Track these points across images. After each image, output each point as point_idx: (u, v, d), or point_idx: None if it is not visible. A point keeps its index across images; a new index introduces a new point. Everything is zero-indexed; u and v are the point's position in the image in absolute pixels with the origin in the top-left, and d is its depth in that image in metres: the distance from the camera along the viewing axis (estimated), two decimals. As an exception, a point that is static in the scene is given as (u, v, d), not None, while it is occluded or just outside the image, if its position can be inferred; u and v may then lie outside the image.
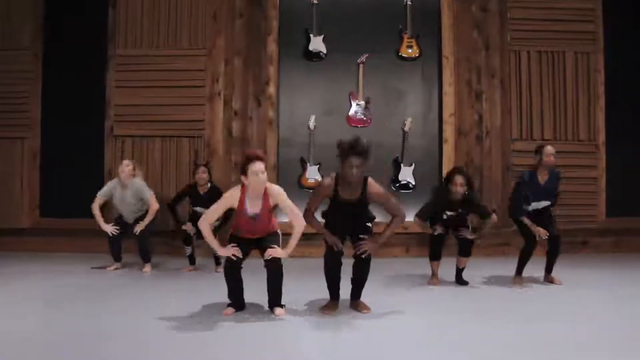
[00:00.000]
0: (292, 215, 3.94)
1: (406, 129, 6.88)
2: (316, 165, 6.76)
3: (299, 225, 3.92)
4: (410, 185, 6.81)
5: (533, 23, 7.05)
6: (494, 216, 5.03)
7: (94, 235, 6.12)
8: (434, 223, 5.04)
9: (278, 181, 6.30)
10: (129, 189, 5.76)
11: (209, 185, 5.81)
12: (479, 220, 5.11)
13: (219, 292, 4.16)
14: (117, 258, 5.85)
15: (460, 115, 6.98)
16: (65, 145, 6.90)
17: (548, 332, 3.46)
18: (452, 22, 6.96)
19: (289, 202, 3.98)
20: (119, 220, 5.86)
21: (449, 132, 6.89)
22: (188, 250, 5.78)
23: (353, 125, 6.85)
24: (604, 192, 7.12)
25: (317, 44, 6.86)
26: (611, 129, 7.11)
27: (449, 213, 4.96)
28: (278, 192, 3.97)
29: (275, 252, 3.86)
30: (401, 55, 6.94)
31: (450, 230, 5.07)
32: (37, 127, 6.94)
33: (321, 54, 6.87)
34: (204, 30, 6.90)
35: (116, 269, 5.81)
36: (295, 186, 6.62)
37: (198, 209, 5.66)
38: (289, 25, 6.94)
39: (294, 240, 3.91)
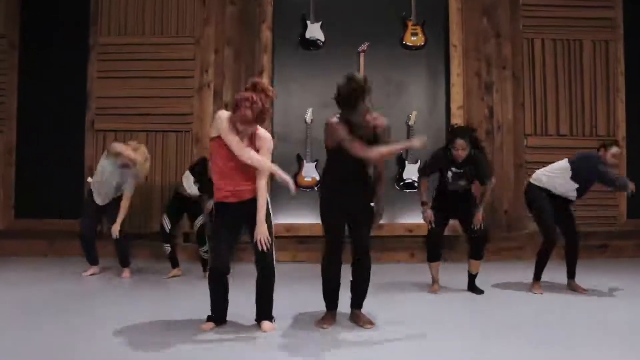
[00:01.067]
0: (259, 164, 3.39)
1: (411, 123, 6.39)
2: (313, 162, 6.26)
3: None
4: (416, 185, 6.28)
5: (547, 9, 6.57)
6: (493, 179, 4.59)
7: (73, 238, 5.59)
8: (438, 204, 4.56)
9: (272, 180, 5.79)
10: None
11: None
12: (479, 187, 4.60)
13: (202, 302, 3.65)
14: (93, 261, 5.33)
15: (469, 109, 6.48)
16: (42, 140, 6.42)
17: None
18: (460, 7, 6.47)
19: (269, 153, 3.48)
20: (90, 200, 5.34)
21: (457, 126, 6.38)
22: (167, 248, 5.23)
23: (353, 118, 6.36)
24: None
25: (314, 31, 6.38)
26: (632, 123, 6.62)
27: (454, 170, 4.48)
28: (265, 136, 3.49)
29: (260, 232, 3.34)
30: (405, 44, 6.46)
31: (451, 213, 4.56)
32: (13, 121, 6.45)
33: (319, 42, 6.39)
34: (193, 17, 6.45)
35: (92, 274, 5.30)
36: (291, 185, 6.12)
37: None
38: (284, 12, 6.47)
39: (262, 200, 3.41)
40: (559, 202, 4.64)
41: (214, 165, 3.47)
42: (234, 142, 3.32)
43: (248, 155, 3.34)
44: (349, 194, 3.54)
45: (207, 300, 3.51)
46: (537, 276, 4.63)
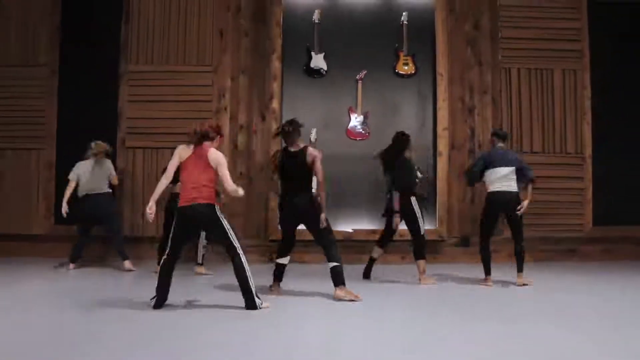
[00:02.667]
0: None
1: (402, 142, 7.23)
2: (317, 176, 7.10)
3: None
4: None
5: (523, 42, 7.45)
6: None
7: (104, 242, 6.61)
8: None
9: (281, 191, 6.65)
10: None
11: None
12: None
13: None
14: (77, 258, 6.36)
15: (453, 130, 7.35)
16: (79, 157, 7.20)
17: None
18: (447, 39, 7.34)
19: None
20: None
21: (442, 145, 7.26)
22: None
23: (352, 138, 7.24)
24: (591, 202, 7.48)
25: (318, 61, 7.24)
26: (597, 142, 7.48)
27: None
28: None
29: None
30: (398, 72, 7.33)
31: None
32: (53, 139, 7.31)
33: (322, 70, 7.25)
34: (211, 47, 7.31)
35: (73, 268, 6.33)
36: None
37: None
38: (292, 44, 7.34)
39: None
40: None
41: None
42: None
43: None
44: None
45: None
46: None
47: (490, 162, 5.50)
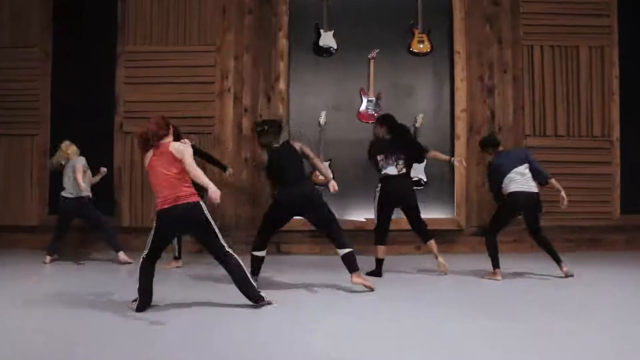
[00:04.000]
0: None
1: (417, 125, 6.81)
2: (327, 161, 6.69)
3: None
4: (422, 182, 6.74)
5: (545, 17, 6.98)
6: None
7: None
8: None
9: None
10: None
11: None
12: None
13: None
14: (55, 250, 6.03)
15: (472, 111, 6.91)
16: (74, 142, 6.84)
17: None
18: (464, 16, 6.88)
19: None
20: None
21: (460, 128, 6.82)
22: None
23: (364, 120, 6.80)
24: (619, 188, 7.02)
25: (327, 39, 6.81)
26: (626, 125, 7.02)
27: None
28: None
29: None
30: (412, 51, 6.88)
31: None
32: (47, 124, 6.92)
33: (331, 49, 6.82)
34: (213, 26, 6.89)
35: (52, 260, 5.98)
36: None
37: None
38: (299, 21, 6.90)
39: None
40: None
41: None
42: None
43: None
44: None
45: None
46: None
47: (500, 173, 5.14)
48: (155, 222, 3.93)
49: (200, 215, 3.89)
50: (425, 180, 6.76)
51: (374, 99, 6.81)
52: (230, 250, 3.95)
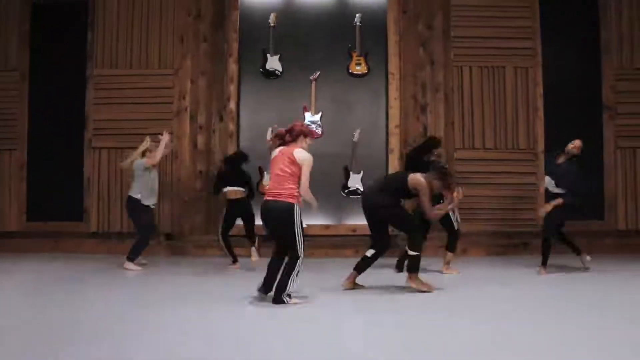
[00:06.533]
0: None
1: (355, 139, 7.47)
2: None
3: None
4: (359, 192, 7.39)
5: (475, 40, 7.60)
6: None
7: (75, 237, 7.16)
8: None
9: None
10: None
11: None
12: None
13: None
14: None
15: (405, 127, 7.58)
16: (49, 157, 7.66)
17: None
18: (398, 39, 7.55)
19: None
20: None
21: (394, 142, 7.49)
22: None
23: (306, 136, 7.49)
24: (543, 197, 7.61)
25: (273, 63, 7.50)
26: (549, 138, 7.61)
27: None
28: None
29: None
30: (351, 72, 7.56)
31: None
32: (24, 141, 7.71)
33: (277, 72, 7.51)
34: (172, 52, 7.63)
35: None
36: (255, 192, 7.24)
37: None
38: (249, 47, 7.63)
39: None
40: None
41: None
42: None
43: None
44: None
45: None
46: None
47: None
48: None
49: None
50: (362, 189, 7.41)
51: (316, 116, 7.49)
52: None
